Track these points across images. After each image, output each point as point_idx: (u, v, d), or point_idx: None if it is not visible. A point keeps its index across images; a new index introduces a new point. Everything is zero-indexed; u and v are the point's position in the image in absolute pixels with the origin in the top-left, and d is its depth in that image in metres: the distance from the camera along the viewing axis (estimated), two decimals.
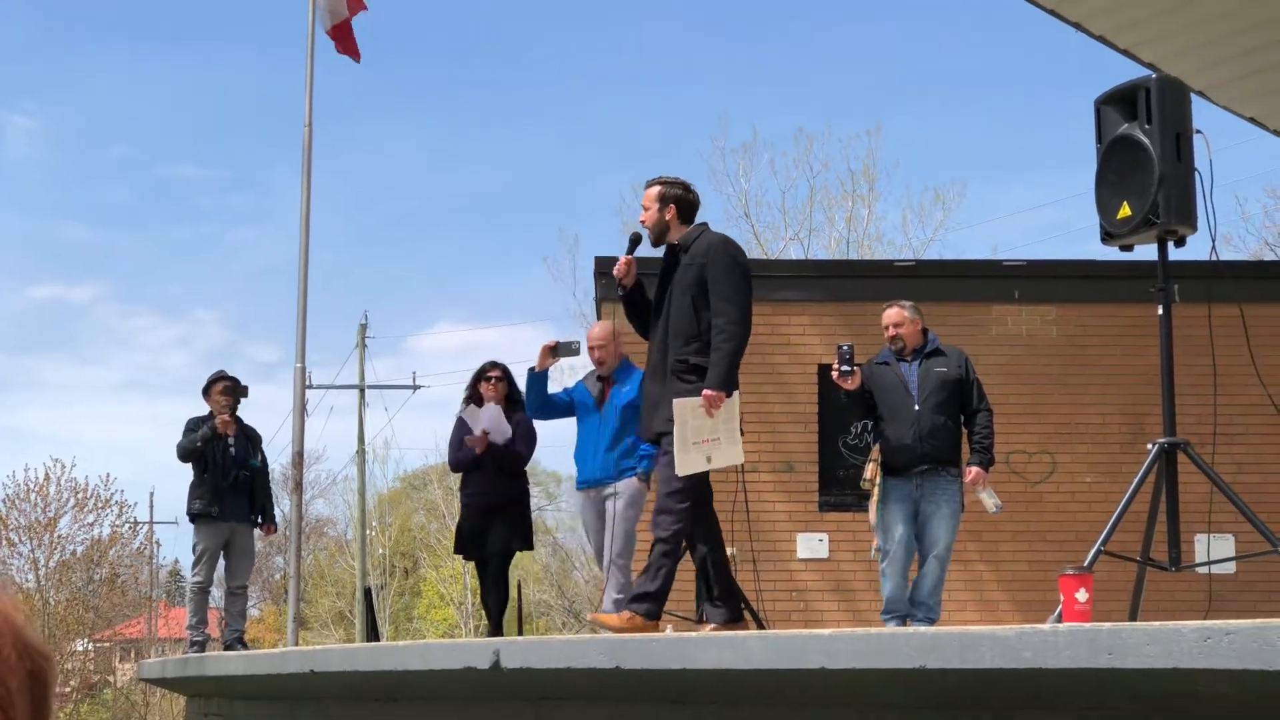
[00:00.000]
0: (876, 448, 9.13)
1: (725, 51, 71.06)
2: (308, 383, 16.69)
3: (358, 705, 8.52)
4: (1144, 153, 7.23)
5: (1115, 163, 7.41)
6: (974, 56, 71.49)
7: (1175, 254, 7.56)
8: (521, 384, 9.83)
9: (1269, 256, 30.67)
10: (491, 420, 10.35)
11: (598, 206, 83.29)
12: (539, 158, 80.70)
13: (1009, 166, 76.07)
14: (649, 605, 7.45)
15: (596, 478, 9.30)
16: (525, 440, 10.66)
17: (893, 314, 9.34)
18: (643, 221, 7.82)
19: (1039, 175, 74.36)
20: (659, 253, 7.92)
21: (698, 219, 7.84)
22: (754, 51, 70.91)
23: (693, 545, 7.74)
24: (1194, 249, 7.88)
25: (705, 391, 7.30)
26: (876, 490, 9.06)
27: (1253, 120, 15.05)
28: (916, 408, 8.99)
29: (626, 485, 9.24)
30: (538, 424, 10.43)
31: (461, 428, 10.60)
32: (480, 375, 10.64)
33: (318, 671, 8.36)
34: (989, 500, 8.99)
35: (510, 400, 10.56)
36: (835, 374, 9.00)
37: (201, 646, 11.64)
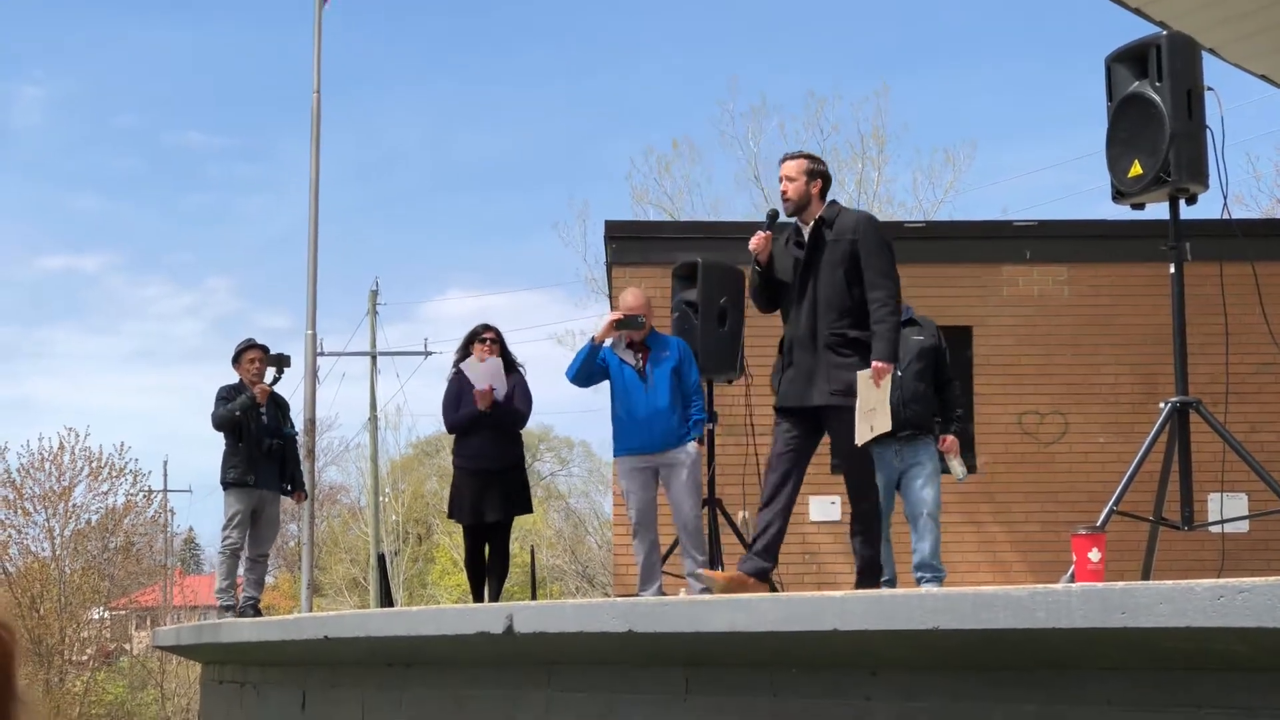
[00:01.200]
0: None
1: (733, 14, 70.82)
2: (319, 350, 16.73)
3: (372, 671, 8.54)
4: (1155, 110, 7.20)
5: (1126, 121, 7.38)
6: (982, 16, 71.26)
7: (1187, 212, 7.53)
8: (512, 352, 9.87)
9: None
10: (493, 374, 10.33)
11: (607, 171, 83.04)
12: (547, 123, 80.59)
13: (1019, 127, 75.89)
14: (873, 577, 7.80)
15: (655, 447, 9.33)
16: (524, 400, 10.64)
17: None
18: (784, 192, 7.94)
19: (1050, 135, 74.11)
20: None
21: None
22: (762, 13, 70.66)
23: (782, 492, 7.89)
24: (1205, 207, 7.85)
25: (875, 364, 7.54)
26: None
27: (1264, 77, 14.98)
28: (899, 373, 9.02)
29: (690, 451, 9.33)
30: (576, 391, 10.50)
31: (456, 387, 10.55)
32: (473, 337, 10.61)
33: (332, 637, 8.38)
34: (958, 468, 9.19)
35: (505, 361, 10.56)
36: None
37: (231, 610, 11.69)
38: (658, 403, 9.30)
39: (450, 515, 10.95)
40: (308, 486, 14.12)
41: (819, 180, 7.91)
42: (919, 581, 8.98)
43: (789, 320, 7.96)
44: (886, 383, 7.56)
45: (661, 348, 9.46)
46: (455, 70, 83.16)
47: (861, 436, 7.57)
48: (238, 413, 11.36)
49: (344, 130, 78.98)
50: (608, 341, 9.42)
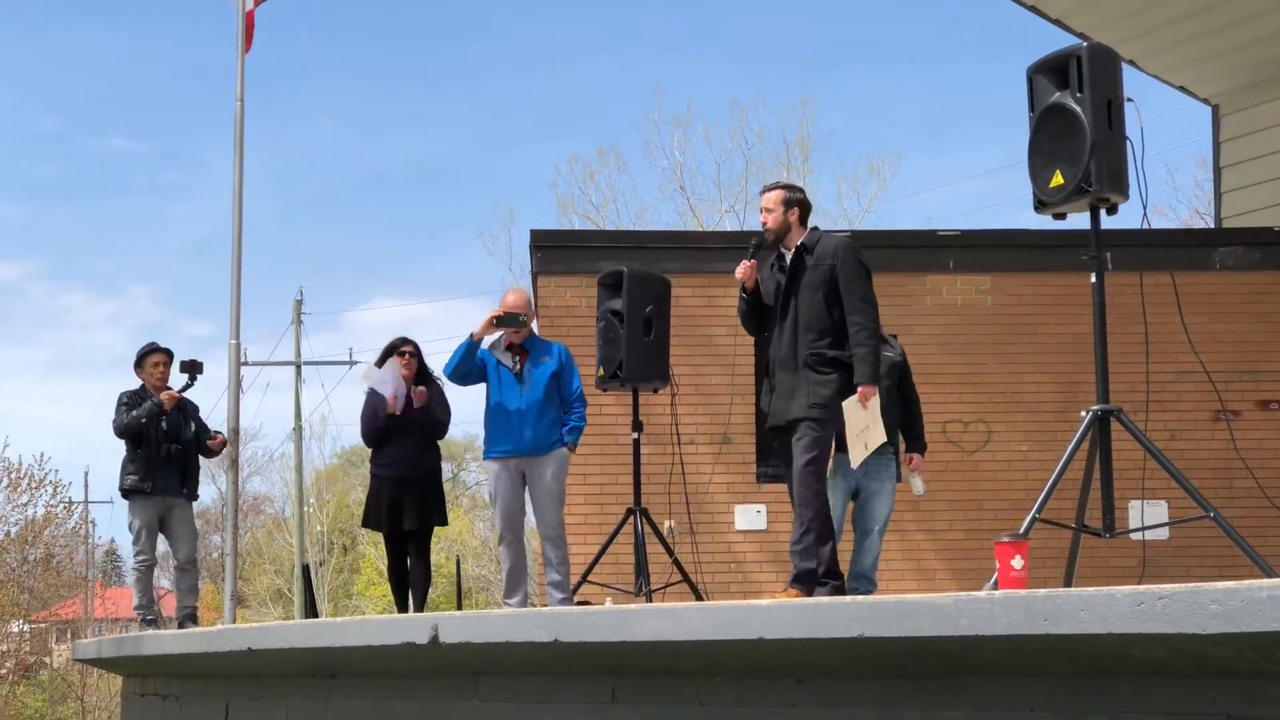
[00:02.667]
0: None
1: (658, 21, 70.95)
2: (243, 359, 16.58)
3: (296, 682, 8.49)
4: (1076, 121, 7.25)
5: (1048, 131, 7.43)
6: (906, 26, 71.72)
7: (1107, 222, 7.59)
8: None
9: (1199, 225, 30.91)
10: (390, 378, 10.35)
11: (531, 180, 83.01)
12: (471, 130, 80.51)
13: (943, 137, 76.42)
14: (834, 583, 7.99)
15: (524, 449, 9.38)
16: (443, 410, 10.65)
17: None
18: (764, 223, 8.31)
19: (973, 145, 74.71)
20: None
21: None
22: (687, 21, 70.84)
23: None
24: (1126, 218, 7.93)
25: (860, 388, 7.90)
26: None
27: (1182, 89, 15.17)
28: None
29: (557, 457, 9.38)
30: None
31: (374, 400, 10.52)
32: (392, 350, 10.60)
33: (256, 649, 8.32)
34: (919, 484, 9.26)
35: (422, 376, 10.56)
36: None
37: (153, 624, 11.52)
38: (531, 406, 9.36)
39: (365, 524, 10.86)
40: (232, 498, 13.99)
41: (796, 208, 8.29)
42: (852, 591, 9.02)
43: (772, 342, 8.28)
44: (874, 403, 7.93)
45: (542, 352, 9.55)
46: (378, 75, 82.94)
47: (857, 458, 8.03)
48: (144, 419, 11.14)
49: (267, 136, 78.55)
50: (487, 340, 9.46)
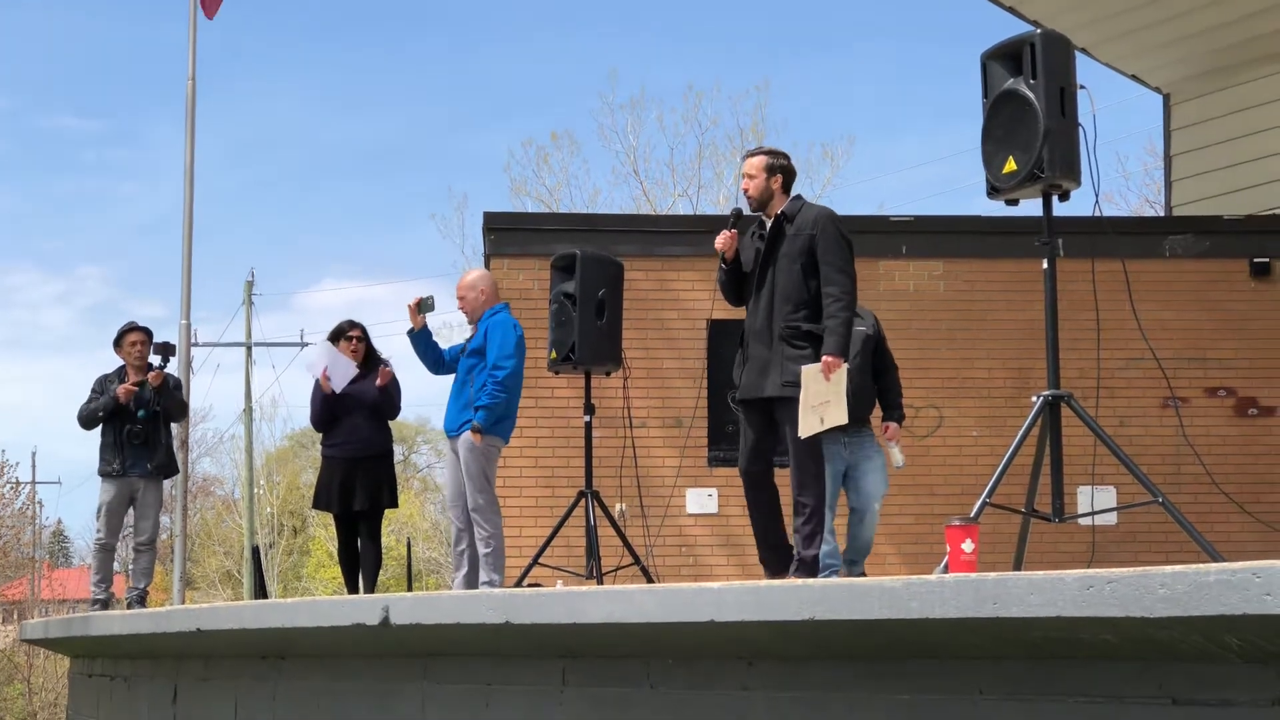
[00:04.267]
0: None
1: (614, 3, 70.84)
2: (193, 340, 16.52)
3: (245, 664, 8.46)
4: (1029, 108, 7.28)
5: (1001, 118, 7.46)
6: (860, 12, 71.84)
7: (1059, 209, 7.63)
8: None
9: (1149, 213, 31.10)
10: (329, 357, 10.35)
11: (485, 162, 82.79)
12: (425, 111, 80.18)
13: (896, 123, 76.58)
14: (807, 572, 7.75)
15: (448, 429, 9.49)
16: (396, 389, 10.65)
17: None
18: (746, 189, 8.03)
19: (926, 131, 74.92)
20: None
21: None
22: (643, 4, 70.76)
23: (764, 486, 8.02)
24: (1077, 204, 7.97)
25: (826, 358, 7.60)
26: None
27: (1134, 77, 15.26)
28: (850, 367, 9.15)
29: (464, 439, 9.34)
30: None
31: (317, 384, 10.52)
32: (339, 334, 10.59)
33: (205, 630, 8.28)
34: (898, 455, 9.22)
35: (370, 359, 10.57)
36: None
37: (103, 605, 11.49)
38: (455, 385, 9.43)
39: (316, 505, 10.84)
40: (182, 479, 13.93)
41: (779, 175, 8.00)
42: (850, 566, 9.09)
43: (748, 313, 8.08)
44: (840, 376, 7.64)
45: (481, 332, 9.52)
46: (329, 56, 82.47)
47: (809, 428, 7.63)
48: (101, 414, 11.17)
49: (218, 115, 78.10)
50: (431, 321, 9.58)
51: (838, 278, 7.76)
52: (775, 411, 7.84)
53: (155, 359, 11.40)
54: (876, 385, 9.40)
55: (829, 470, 9.05)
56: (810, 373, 7.62)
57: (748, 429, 8.02)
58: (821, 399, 7.62)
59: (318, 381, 10.47)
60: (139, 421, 11.24)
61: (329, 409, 10.45)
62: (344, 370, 10.39)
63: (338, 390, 10.38)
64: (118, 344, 11.45)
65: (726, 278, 8.16)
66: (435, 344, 9.68)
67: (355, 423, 10.41)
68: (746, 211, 8.22)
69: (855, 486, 9.17)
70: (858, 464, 9.16)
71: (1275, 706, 3.73)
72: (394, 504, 10.73)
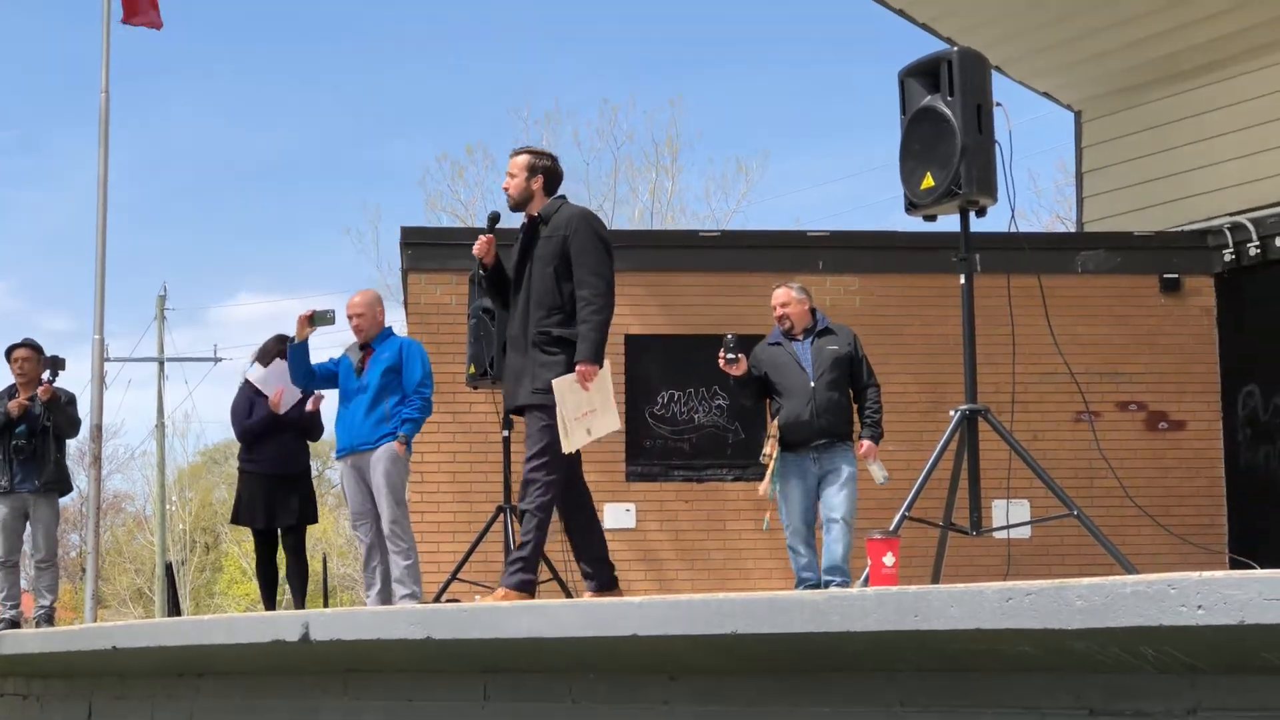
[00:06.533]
0: (774, 424, 9.31)
1: (529, 17, 70.76)
2: (105, 355, 16.36)
3: (162, 682, 8.38)
4: (947, 124, 7.36)
5: (919, 134, 7.54)
6: (777, 28, 72.09)
7: (976, 225, 7.71)
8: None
9: (1061, 230, 31.43)
10: (280, 375, 10.28)
11: (400, 177, 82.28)
12: (338, 125, 79.54)
13: (811, 138, 76.93)
14: (521, 577, 7.45)
15: (355, 444, 9.28)
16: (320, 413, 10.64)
17: (780, 295, 9.60)
18: (506, 188, 7.82)
19: (843, 147, 75.33)
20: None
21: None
22: (558, 17, 70.74)
23: (564, 514, 7.78)
24: (993, 221, 8.06)
25: (579, 367, 7.37)
26: (773, 465, 9.25)
27: (1047, 95, 15.44)
28: (812, 384, 9.23)
29: (385, 450, 9.21)
30: None
31: (248, 394, 10.45)
32: (275, 350, 10.54)
33: (120, 648, 8.20)
34: (878, 472, 9.24)
35: None
36: (721, 362, 9.14)
37: (11, 623, 11.34)
38: (364, 402, 9.26)
39: (237, 521, 10.77)
40: (93, 495, 13.79)
41: (540, 176, 7.76)
42: (828, 584, 9.09)
43: (508, 319, 7.84)
44: (600, 383, 7.43)
45: (385, 349, 9.40)
46: (241, 68, 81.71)
47: (576, 442, 7.38)
48: None
49: (129, 128, 77.26)
50: (315, 338, 9.46)
51: (591, 280, 7.49)
52: (527, 417, 7.58)
53: (45, 374, 11.29)
54: (856, 404, 9.46)
55: (799, 486, 9.11)
56: (565, 384, 7.35)
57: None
58: (584, 409, 7.36)
59: (249, 394, 10.41)
60: (22, 437, 11.12)
61: (266, 426, 10.39)
62: (294, 392, 10.33)
63: (283, 411, 10.33)
64: (8, 357, 11.38)
65: (486, 284, 7.96)
66: (309, 358, 9.57)
67: (283, 440, 10.37)
68: (506, 214, 8.01)
69: (825, 501, 9.21)
70: (826, 479, 9.19)
71: (1190, 716, 3.78)
72: (316, 519, 10.69)
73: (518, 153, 7.88)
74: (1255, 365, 13.11)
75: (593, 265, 7.51)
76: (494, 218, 8.03)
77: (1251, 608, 3.40)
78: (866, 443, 9.28)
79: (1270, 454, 12.99)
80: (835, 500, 9.15)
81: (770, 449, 9.27)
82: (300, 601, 10.44)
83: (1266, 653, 3.51)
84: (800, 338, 9.44)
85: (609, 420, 7.47)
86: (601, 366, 7.48)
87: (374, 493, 9.24)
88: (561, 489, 7.57)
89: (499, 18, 70.53)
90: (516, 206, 7.82)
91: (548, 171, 7.81)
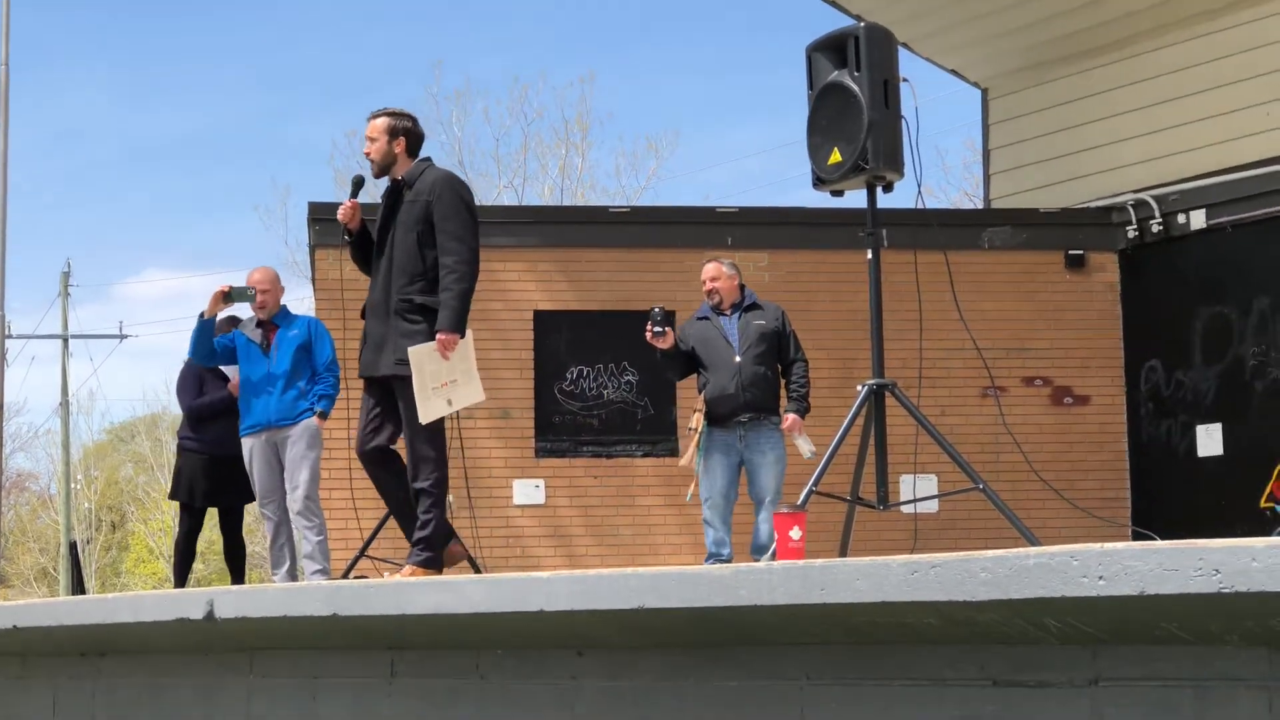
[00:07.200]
0: (701, 397, 9.32)
1: None
2: (7, 332, 16.15)
3: (64, 661, 8.28)
4: (853, 99, 7.39)
5: (826, 109, 7.56)
6: (684, 3, 72.13)
7: (883, 201, 7.75)
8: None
9: (968, 206, 31.68)
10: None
11: (308, 154, 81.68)
12: (245, 102, 78.85)
13: (720, 115, 77.06)
14: (429, 554, 7.40)
15: (270, 421, 9.22)
16: None
17: (710, 270, 9.59)
18: (368, 153, 7.64)
19: (751, 123, 75.48)
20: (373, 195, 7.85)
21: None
22: None
23: (382, 463, 7.66)
24: (901, 197, 8.10)
25: (439, 335, 7.23)
26: (698, 438, 9.24)
27: (954, 72, 15.51)
28: (738, 359, 9.22)
29: (306, 425, 9.19)
30: None
31: (198, 370, 10.30)
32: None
33: (20, 627, 8.09)
34: (805, 446, 9.23)
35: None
36: (649, 335, 9.11)
37: None
38: (276, 379, 9.21)
39: (174, 496, 10.67)
40: None
41: (402, 138, 7.56)
42: (755, 559, 9.10)
43: (370, 286, 7.67)
44: (462, 352, 7.33)
45: (290, 326, 9.35)
46: (145, 43, 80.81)
47: (435, 411, 7.26)
48: None
49: (29, 104, 76.16)
50: (223, 315, 9.41)
51: (454, 246, 7.32)
52: (394, 390, 7.45)
53: None
54: (784, 378, 9.47)
55: (722, 461, 9.10)
56: (423, 353, 7.21)
57: (363, 408, 7.62)
58: (444, 379, 7.25)
59: (197, 371, 10.26)
60: None
61: (220, 409, 10.26)
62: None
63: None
64: None
65: (352, 251, 7.80)
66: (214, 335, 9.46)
67: (229, 422, 10.24)
68: (369, 178, 7.88)
69: (750, 479, 9.22)
70: (751, 457, 9.20)
71: (1091, 687, 3.82)
72: (254, 498, 10.63)
73: (376, 115, 7.66)
74: (1158, 341, 13.26)
75: (456, 231, 7.34)
76: (358, 182, 7.92)
77: (1151, 578, 3.44)
78: (791, 416, 9.27)
79: (1172, 428, 13.15)
80: (765, 482, 9.16)
81: (696, 423, 9.29)
82: (239, 579, 10.40)
83: (1165, 623, 3.54)
84: (728, 313, 9.45)
85: (471, 391, 7.36)
86: (463, 336, 7.35)
87: (289, 468, 9.18)
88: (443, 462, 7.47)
89: None
90: (380, 172, 7.62)
91: (409, 133, 7.61)
